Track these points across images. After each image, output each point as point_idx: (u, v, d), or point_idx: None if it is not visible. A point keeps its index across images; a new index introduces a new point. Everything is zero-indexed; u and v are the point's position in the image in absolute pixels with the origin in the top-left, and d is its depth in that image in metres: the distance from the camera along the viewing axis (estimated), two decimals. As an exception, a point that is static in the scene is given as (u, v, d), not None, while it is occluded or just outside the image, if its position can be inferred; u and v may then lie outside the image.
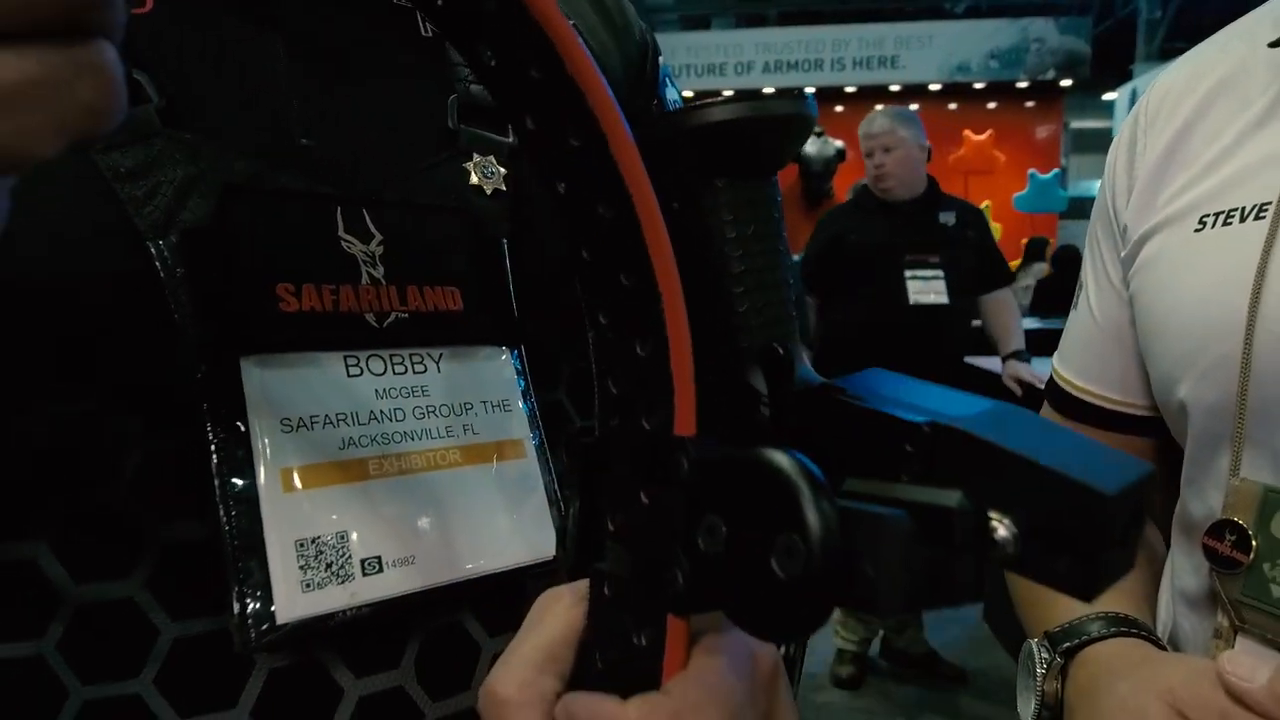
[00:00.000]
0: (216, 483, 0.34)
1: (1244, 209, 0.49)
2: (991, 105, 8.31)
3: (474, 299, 0.42)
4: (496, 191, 0.45)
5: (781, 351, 0.26)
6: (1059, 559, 0.21)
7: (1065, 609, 0.52)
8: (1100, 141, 10.12)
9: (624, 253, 0.24)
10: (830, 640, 3.98)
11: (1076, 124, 11.50)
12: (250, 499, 0.35)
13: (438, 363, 0.41)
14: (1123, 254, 0.59)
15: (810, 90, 8.42)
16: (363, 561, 0.36)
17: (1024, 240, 6.08)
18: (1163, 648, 0.49)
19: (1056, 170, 7.47)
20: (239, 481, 0.34)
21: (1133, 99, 9.06)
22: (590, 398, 0.32)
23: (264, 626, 0.34)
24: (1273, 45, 0.51)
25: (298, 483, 0.36)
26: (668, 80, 0.60)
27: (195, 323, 0.35)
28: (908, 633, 2.74)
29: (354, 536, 0.36)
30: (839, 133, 7.76)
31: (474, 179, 0.44)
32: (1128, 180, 0.60)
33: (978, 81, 8.19)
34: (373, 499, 0.37)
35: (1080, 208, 6.97)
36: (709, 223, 0.26)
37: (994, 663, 2.42)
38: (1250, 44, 0.54)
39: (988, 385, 2.69)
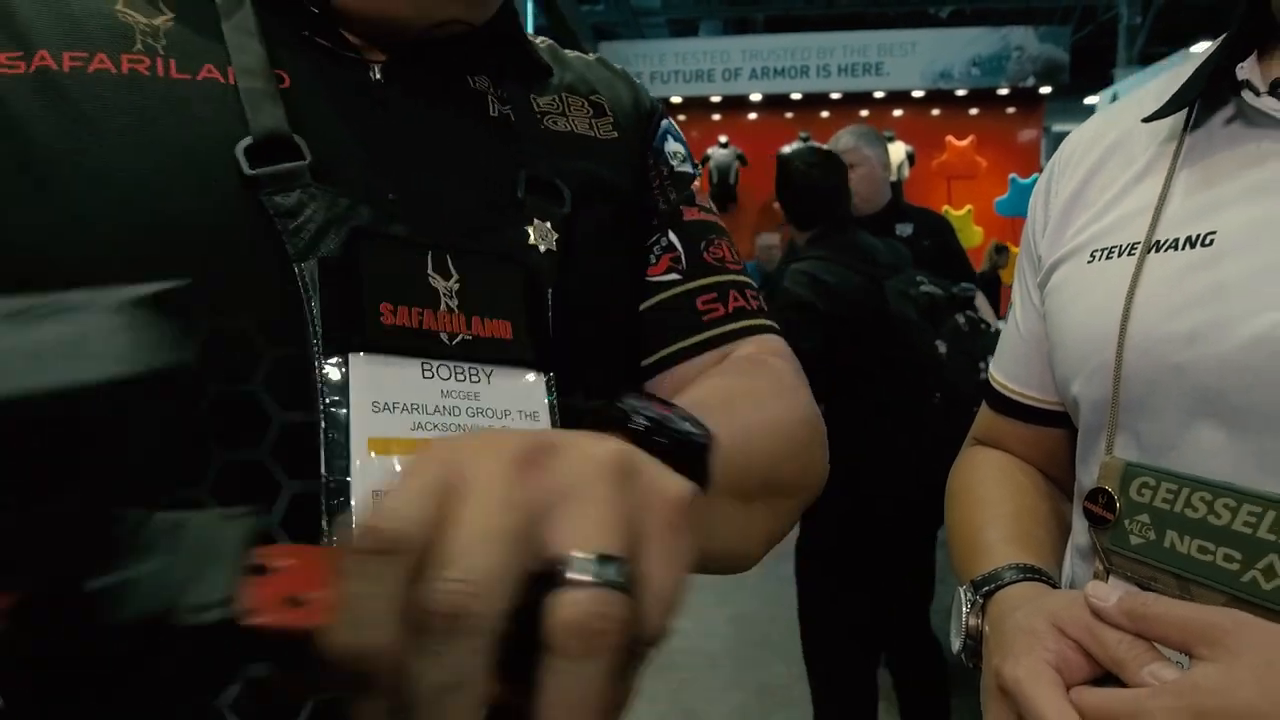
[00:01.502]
0: (323, 443, 0.46)
1: (1121, 246, 0.63)
2: (973, 111, 8.46)
3: (521, 331, 0.53)
4: (549, 250, 0.56)
5: None
6: None
7: (986, 562, 0.66)
8: (1081, 146, 10.20)
9: None
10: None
11: (1058, 127, 11.65)
12: (344, 457, 0.46)
13: (489, 377, 0.51)
14: (1038, 279, 0.73)
15: (796, 96, 8.57)
16: None
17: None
18: (1057, 589, 0.62)
19: (1037, 174, 7.63)
20: (339, 443, 0.46)
21: (1113, 103, 9.15)
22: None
23: None
24: (1146, 120, 0.65)
25: (378, 449, 0.47)
26: (669, 136, 0.69)
27: (322, 326, 0.47)
28: None
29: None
30: (824, 138, 7.91)
31: (532, 239, 0.55)
32: (1044, 217, 0.73)
33: (960, 88, 8.35)
34: None
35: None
36: None
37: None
38: (1136, 114, 0.68)
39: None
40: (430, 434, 0.49)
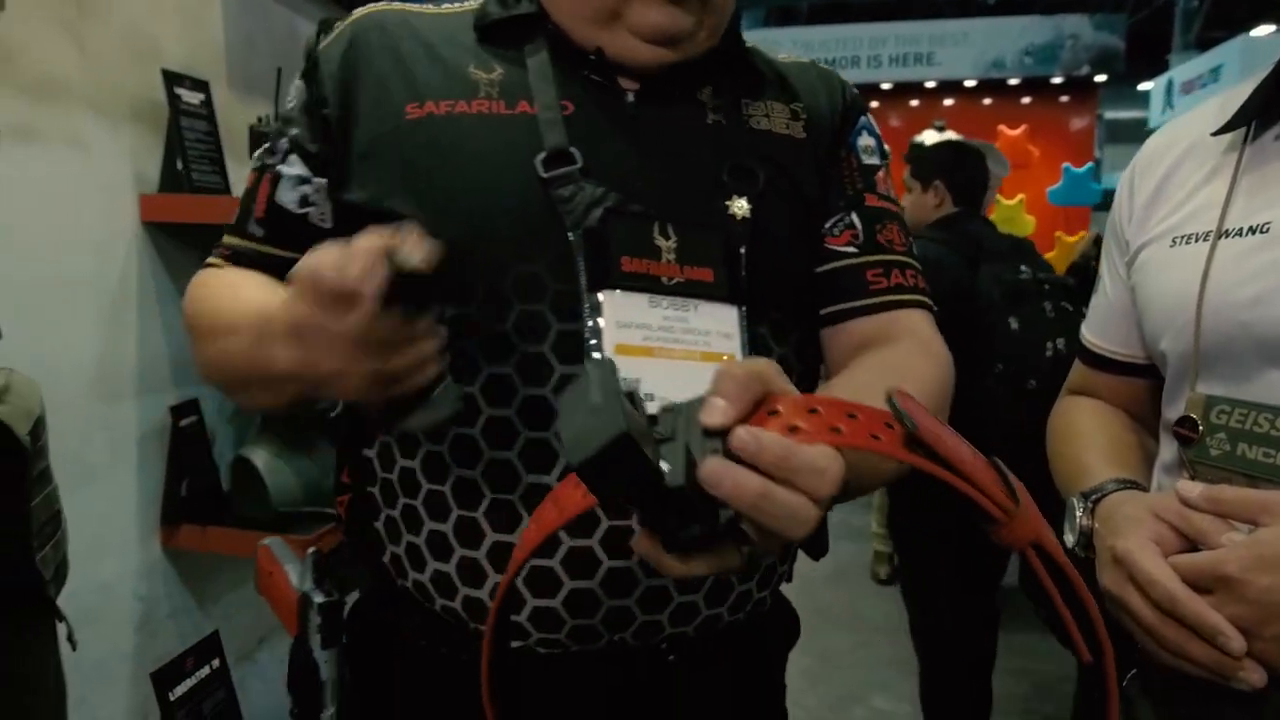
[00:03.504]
0: (586, 344, 0.67)
1: (1196, 234, 0.81)
2: (1026, 100, 8.48)
3: (721, 276, 0.71)
4: (744, 219, 0.75)
5: None
6: None
7: (1091, 479, 0.84)
8: (1135, 133, 10.07)
9: None
10: (870, 544, 4.35)
11: (1111, 114, 11.52)
12: (599, 354, 0.66)
13: (697, 307, 0.70)
14: (1126, 258, 0.91)
15: (847, 87, 8.66)
16: (645, 394, 0.55)
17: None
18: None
19: (1090, 164, 7.63)
20: (595, 345, 0.66)
21: (1168, 89, 9.01)
22: (788, 352, 0.69)
23: None
24: (1214, 134, 0.83)
25: (619, 351, 0.65)
26: (864, 132, 0.87)
27: (586, 273, 0.68)
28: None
29: (642, 382, 0.55)
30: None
31: (731, 210, 0.76)
32: (1129, 209, 0.91)
33: (1012, 77, 8.36)
34: (654, 367, 0.66)
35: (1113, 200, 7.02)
36: None
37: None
38: (1202, 128, 0.85)
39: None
40: (656, 344, 0.68)
